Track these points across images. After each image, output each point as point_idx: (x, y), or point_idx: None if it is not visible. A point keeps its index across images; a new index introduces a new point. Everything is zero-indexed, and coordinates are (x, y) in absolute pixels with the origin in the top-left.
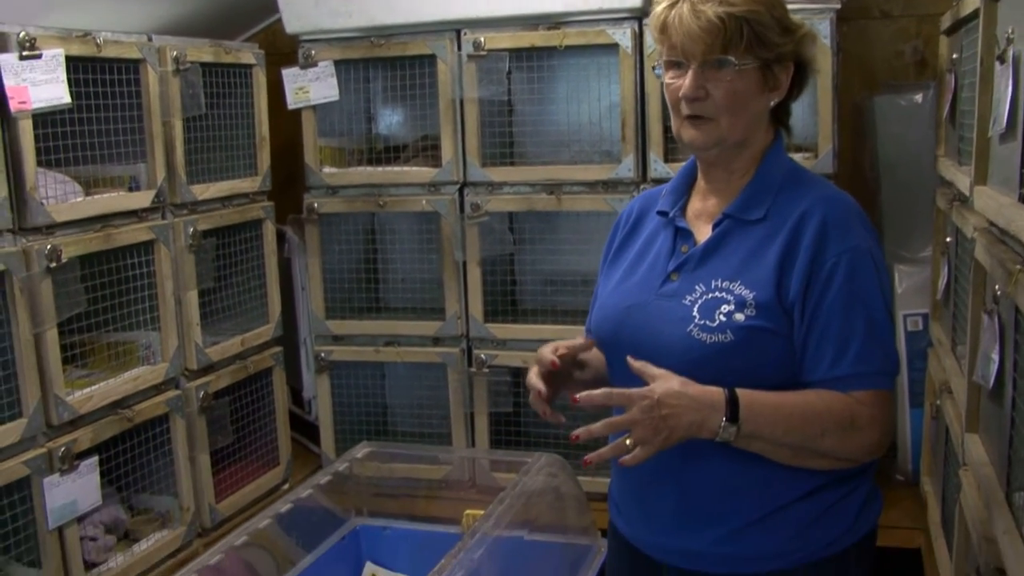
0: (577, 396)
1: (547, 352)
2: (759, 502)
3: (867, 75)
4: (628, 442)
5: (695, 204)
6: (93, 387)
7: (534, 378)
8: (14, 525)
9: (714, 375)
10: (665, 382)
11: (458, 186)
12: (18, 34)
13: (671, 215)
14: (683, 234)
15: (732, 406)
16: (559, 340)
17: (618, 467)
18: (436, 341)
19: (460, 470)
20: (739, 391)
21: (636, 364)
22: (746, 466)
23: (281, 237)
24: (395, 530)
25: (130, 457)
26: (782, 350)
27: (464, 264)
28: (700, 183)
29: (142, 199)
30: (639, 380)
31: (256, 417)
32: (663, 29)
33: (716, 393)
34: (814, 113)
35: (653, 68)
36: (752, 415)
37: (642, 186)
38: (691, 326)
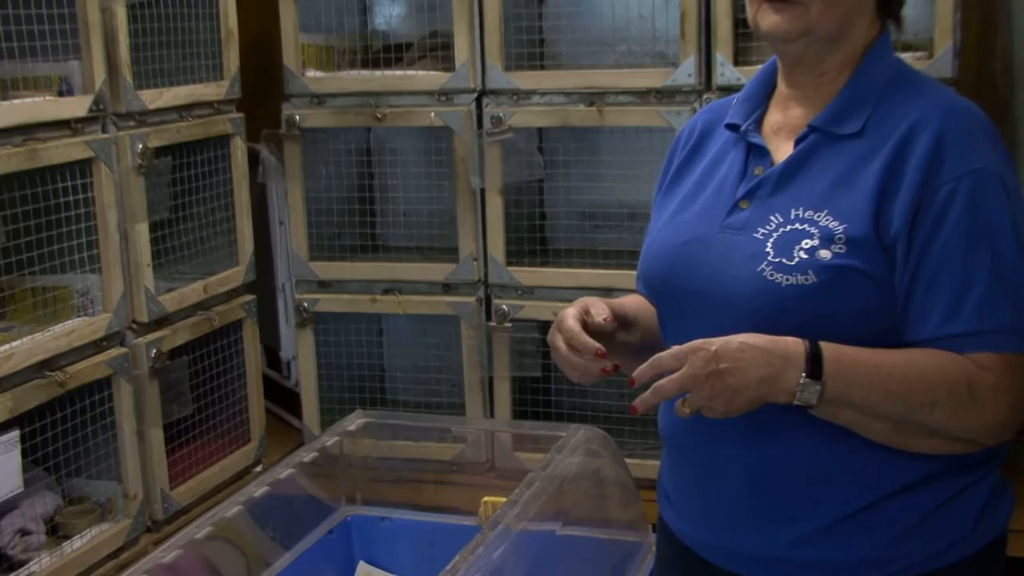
0: (634, 375)
1: (572, 320)
2: (851, 493)
3: None
4: (686, 409)
5: (774, 116)
6: (13, 343)
7: (572, 322)
8: None
9: (791, 328)
10: (726, 337)
11: (475, 95)
12: None
13: (743, 129)
14: (757, 152)
15: (814, 361)
16: (588, 299)
17: (669, 445)
18: (447, 289)
19: (476, 448)
20: (825, 344)
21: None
22: (835, 445)
23: (254, 158)
24: (395, 522)
25: (61, 432)
26: (879, 298)
27: (482, 193)
28: (781, 89)
29: (76, 106)
30: (701, 334)
31: (222, 382)
32: None
33: (793, 343)
34: (929, 1)
35: None
36: (840, 372)
37: (705, 96)
38: (763, 264)
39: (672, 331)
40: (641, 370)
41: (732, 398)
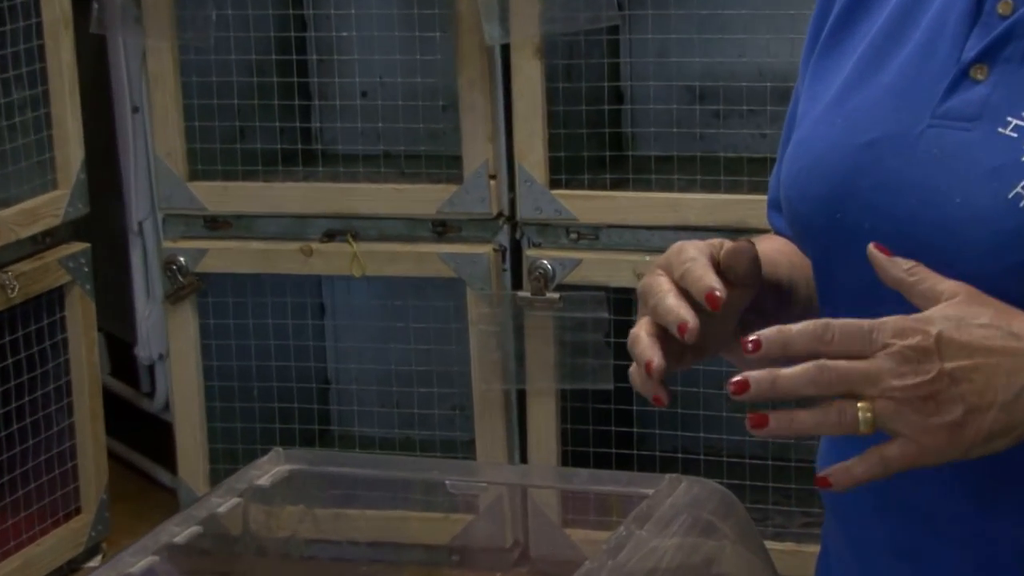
0: (750, 339)
1: (698, 270)
2: None
3: None
4: (882, 452)
5: None
6: None
7: (644, 335)
8: None
9: None
10: (956, 305)
11: None
12: None
13: None
14: None
15: None
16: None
17: (837, 519)
18: (441, 230)
19: (494, 521)
20: None
21: (892, 263)
22: None
23: None
24: None
25: None
26: None
27: (505, 54)
28: None
29: None
30: (891, 305)
31: (28, 403)
32: None
33: None
34: None
35: None
36: None
37: None
38: (1021, 185)
39: (842, 293)
40: (782, 332)
41: (968, 426)
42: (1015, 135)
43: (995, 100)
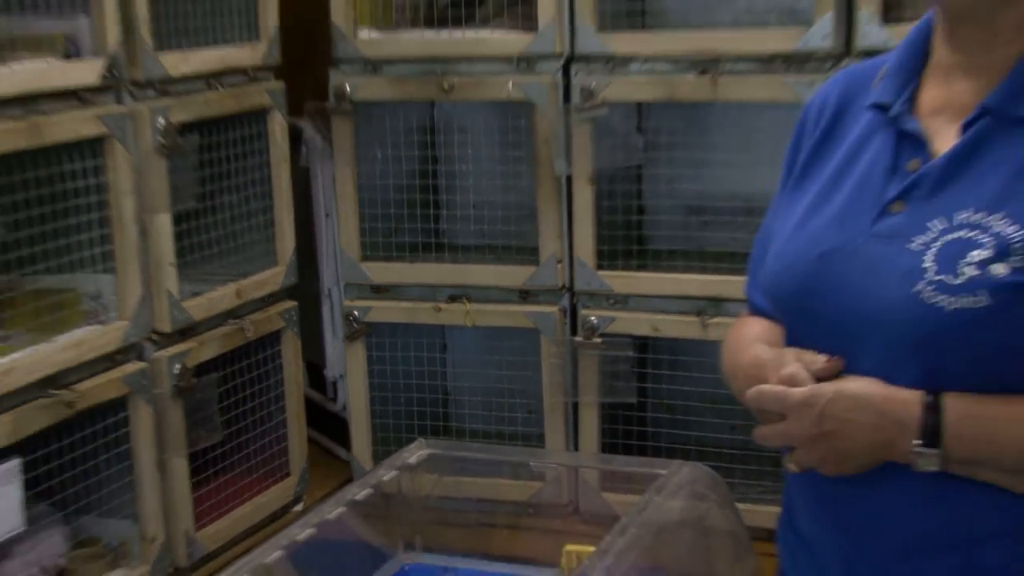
0: (746, 396)
1: (795, 365)
2: (1007, 556)
3: None
4: (791, 466)
5: (932, 92)
6: (13, 355)
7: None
8: None
9: (958, 360)
10: (845, 382)
11: (562, 61)
12: None
13: (894, 110)
14: (912, 140)
15: (932, 418)
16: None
17: (795, 488)
18: (524, 296)
19: (557, 487)
20: (951, 397)
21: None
22: (996, 500)
23: (296, 136)
24: (460, 572)
25: (69, 461)
26: None
27: (568, 181)
28: (941, 55)
29: (85, 72)
30: (848, 369)
31: (257, 405)
32: None
33: (910, 400)
34: None
35: None
36: (965, 434)
37: (844, 61)
38: (922, 284)
39: None
40: (749, 397)
41: (841, 462)
42: (918, 250)
43: (906, 226)
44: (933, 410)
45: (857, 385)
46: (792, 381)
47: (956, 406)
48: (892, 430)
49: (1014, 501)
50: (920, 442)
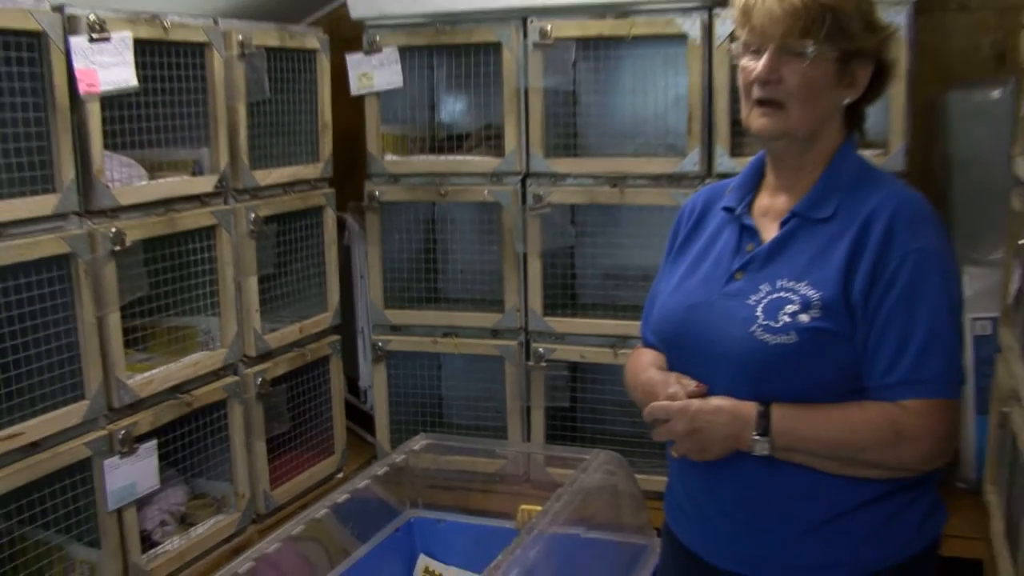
0: (644, 413)
1: (676, 386)
2: (816, 510)
3: (942, 70)
4: (673, 453)
5: (763, 201)
6: (153, 371)
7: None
8: (75, 506)
9: (778, 378)
10: (708, 399)
11: (520, 177)
12: (88, 16)
13: (737, 212)
14: (749, 232)
15: (764, 420)
16: (660, 371)
17: (675, 467)
18: (494, 333)
19: (515, 464)
20: (775, 406)
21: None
22: (800, 474)
23: (341, 225)
24: (449, 523)
25: (188, 442)
26: (848, 353)
27: (524, 256)
28: (769, 179)
29: (205, 184)
30: (707, 381)
31: (312, 405)
32: (746, 11)
33: (750, 408)
34: (886, 109)
35: (730, 41)
36: (785, 430)
37: (707, 180)
38: (754, 326)
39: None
40: (646, 412)
41: (705, 449)
42: (752, 304)
43: (745, 288)
44: (764, 415)
45: (716, 400)
46: (673, 397)
47: (779, 411)
48: (739, 427)
49: (819, 478)
50: (756, 435)
